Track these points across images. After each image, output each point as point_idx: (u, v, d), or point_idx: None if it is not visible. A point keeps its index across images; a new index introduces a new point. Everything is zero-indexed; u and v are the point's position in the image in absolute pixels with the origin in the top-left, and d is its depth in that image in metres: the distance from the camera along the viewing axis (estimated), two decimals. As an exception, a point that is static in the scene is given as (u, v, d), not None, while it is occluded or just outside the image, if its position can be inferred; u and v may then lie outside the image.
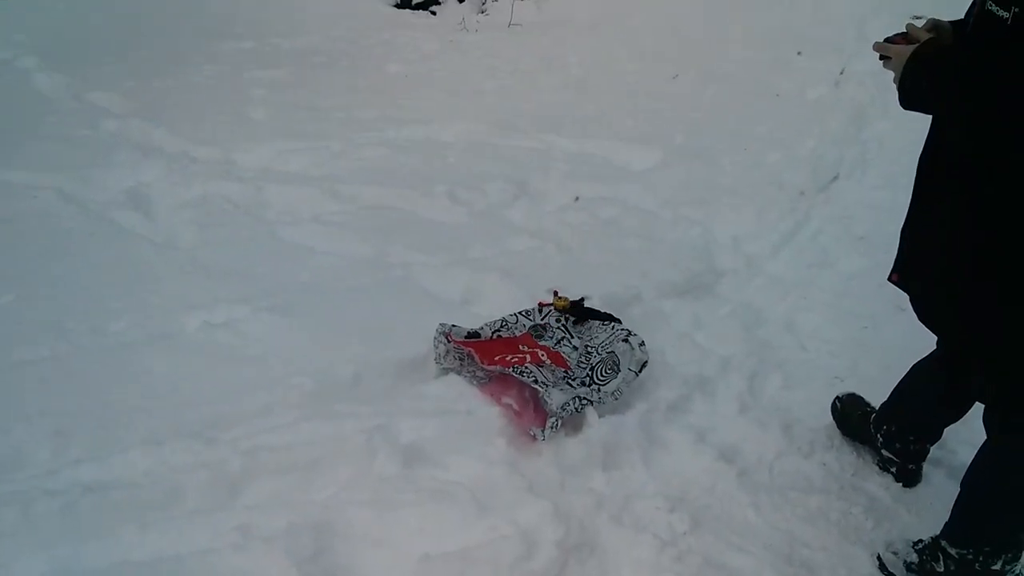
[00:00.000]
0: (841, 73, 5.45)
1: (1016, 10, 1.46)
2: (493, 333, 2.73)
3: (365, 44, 6.52)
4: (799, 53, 5.84)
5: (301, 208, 3.79)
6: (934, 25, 1.80)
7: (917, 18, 1.80)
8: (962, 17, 1.75)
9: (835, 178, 4.24)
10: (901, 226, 1.95)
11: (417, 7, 7.50)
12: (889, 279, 1.99)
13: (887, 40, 1.78)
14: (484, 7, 7.36)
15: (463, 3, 7.52)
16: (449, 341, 2.60)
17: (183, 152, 4.35)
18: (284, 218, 3.70)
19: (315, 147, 4.45)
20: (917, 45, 1.67)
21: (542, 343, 2.72)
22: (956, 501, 1.98)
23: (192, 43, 6.30)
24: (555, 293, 2.87)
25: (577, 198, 3.98)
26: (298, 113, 4.97)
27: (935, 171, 1.83)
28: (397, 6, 7.48)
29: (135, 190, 3.87)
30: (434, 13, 7.45)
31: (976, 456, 1.95)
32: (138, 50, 6.07)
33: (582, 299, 2.85)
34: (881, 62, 1.78)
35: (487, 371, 2.53)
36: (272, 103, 5.12)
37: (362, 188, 3.99)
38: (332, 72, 5.86)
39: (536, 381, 2.42)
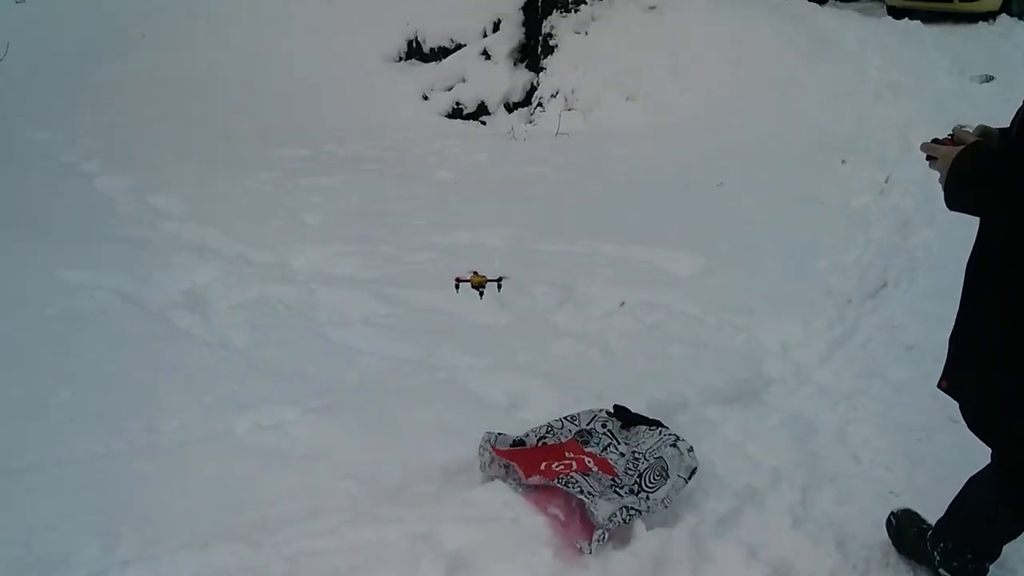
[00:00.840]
0: (886, 181, 5.48)
1: None
2: (538, 440, 2.72)
3: (417, 152, 6.74)
4: (843, 161, 5.89)
5: (351, 310, 3.86)
6: (983, 131, 1.83)
7: (963, 127, 1.84)
8: (1007, 126, 1.78)
9: (883, 286, 4.21)
10: (950, 334, 1.94)
11: (468, 117, 7.75)
12: (938, 386, 1.96)
13: (934, 141, 1.81)
14: (532, 117, 7.58)
15: (512, 113, 7.76)
16: (493, 452, 2.60)
17: (239, 255, 4.48)
18: (334, 320, 3.78)
19: (366, 251, 4.56)
20: (963, 147, 1.69)
21: (588, 449, 2.69)
22: None
23: (250, 149, 6.57)
24: (474, 273, 2.83)
25: (623, 303, 4.00)
26: (351, 218, 5.12)
27: (981, 273, 1.83)
28: (448, 116, 7.75)
29: (191, 291, 3.99)
30: (484, 123, 7.69)
31: None
32: (198, 154, 6.33)
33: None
34: (928, 162, 1.80)
35: (530, 484, 2.51)
36: (326, 208, 5.28)
37: (411, 291, 4.06)
38: (384, 179, 6.04)
39: (582, 492, 2.39)
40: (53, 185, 5.49)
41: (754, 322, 3.78)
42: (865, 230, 4.82)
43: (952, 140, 1.78)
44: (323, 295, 4.01)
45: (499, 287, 3.31)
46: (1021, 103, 1.70)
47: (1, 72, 8.78)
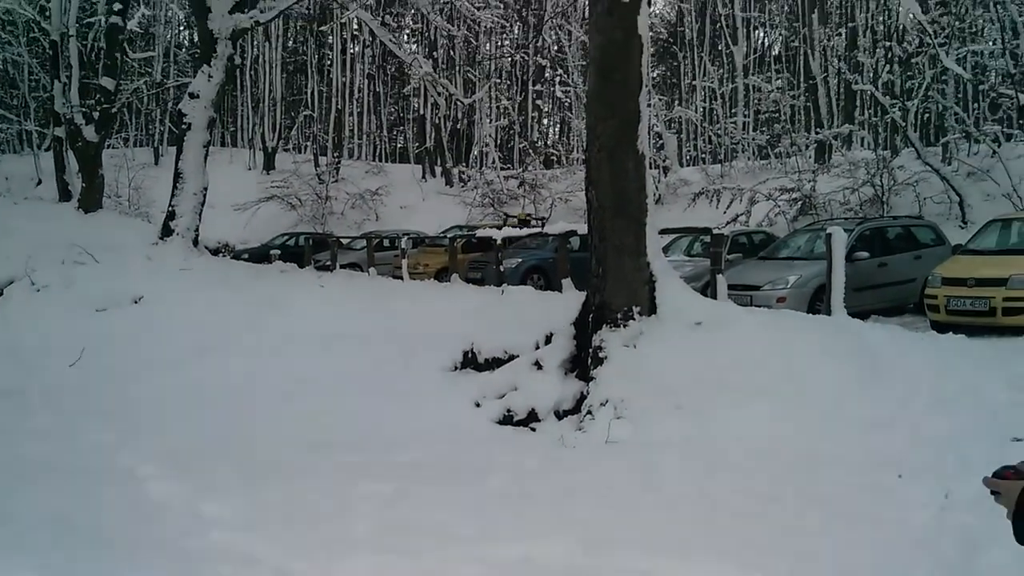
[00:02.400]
0: (946, 497, 5.31)
1: None
2: None
3: (467, 459, 6.80)
4: (900, 476, 5.77)
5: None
6: None
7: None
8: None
9: (954, 614, 3.95)
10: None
11: (518, 424, 7.88)
12: None
13: (996, 475, 1.80)
14: (582, 425, 7.67)
15: (562, 420, 7.88)
16: None
17: (280, 567, 4.43)
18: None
19: (411, 564, 4.48)
20: None
21: None
22: None
23: (304, 457, 6.70)
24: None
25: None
26: (398, 530, 5.08)
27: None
28: (499, 423, 7.89)
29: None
30: (533, 429, 7.80)
31: None
32: (251, 460, 6.49)
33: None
34: (992, 497, 1.79)
35: None
36: (374, 518, 5.27)
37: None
38: (435, 487, 6.05)
39: None
40: (106, 493, 5.63)
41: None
42: (929, 550, 4.61)
43: (1015, 472, 1.78)
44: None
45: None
46: None
47: (75, 376, 9.37)
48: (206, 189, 16.82)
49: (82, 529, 4.90)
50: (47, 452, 6.77)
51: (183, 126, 16.69)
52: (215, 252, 23.18)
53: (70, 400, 8.81)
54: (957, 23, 20.25)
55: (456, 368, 9.40)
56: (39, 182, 27.50)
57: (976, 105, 25.65)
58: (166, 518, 5.16)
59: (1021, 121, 20.45)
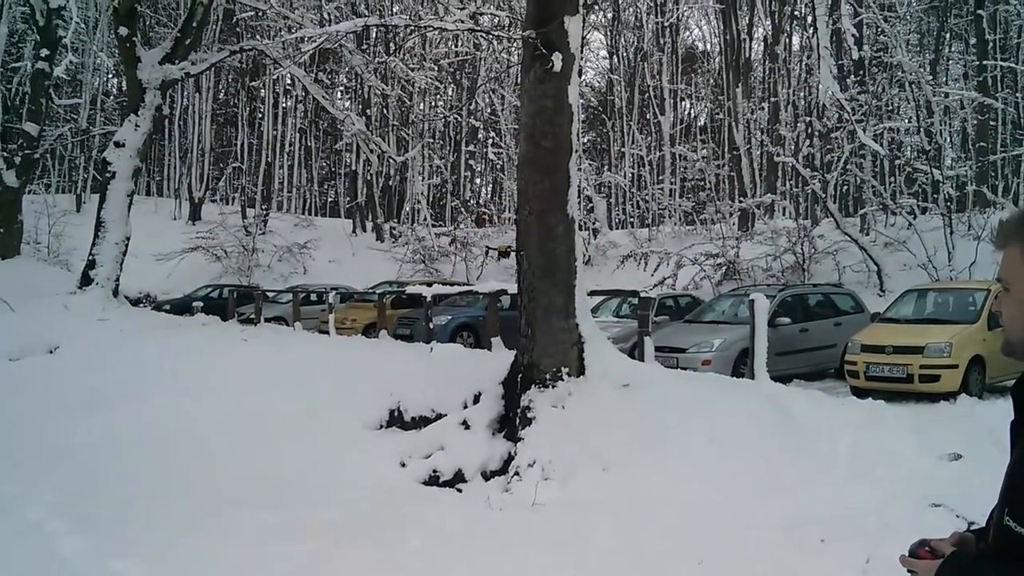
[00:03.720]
0: (867, 562, 5.38)
1: None
2: None
3: (390, 519, 6.63)
4: (822, 540, 5.82)
5: None
6: (959, 539, 1.84)
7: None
8: (983, 527, 1.80)
9: None
10: None
11: (444, 484, 7.75)
12: None
13: (911, 553, 1.80)
14: (509, 486, 7.57)
15: (489, 481, 7.77)
16: None
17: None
18: None
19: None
20: (942, 561, 1.69)
21: None
22: None
23: (220, 512, 6.45)
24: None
25: None
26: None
27: None
28: (425, 483, 7.74)
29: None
30: (460, 490, 7.67)
31: None
32: (165, 514, 6.24)
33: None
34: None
35: None
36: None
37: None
38: (356, 548, 5.87)
39: None
40: (13, 548, 5.34)
41: None
42: (852, 615, 4.65)
43: (930, 552, 1.79)
44: None
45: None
46: (994, 506, 1.72)
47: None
48: (128, 239, 16.44)
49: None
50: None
51: (107, 174, 16.36)
52: (136, 302, 22.54)
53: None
54: (875, 101, 21.23)
55: (382, 426, 9.23)
56: (-48, 226, 26.49)
57: (892, 179, 26.83)
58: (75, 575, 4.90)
59: (935, 195, 21.41)
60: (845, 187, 25.95)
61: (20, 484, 7.02)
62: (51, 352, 12.07)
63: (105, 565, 5.11)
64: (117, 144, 16.31)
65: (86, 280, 15.83)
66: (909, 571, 1.78)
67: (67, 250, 25.60)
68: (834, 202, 22.34)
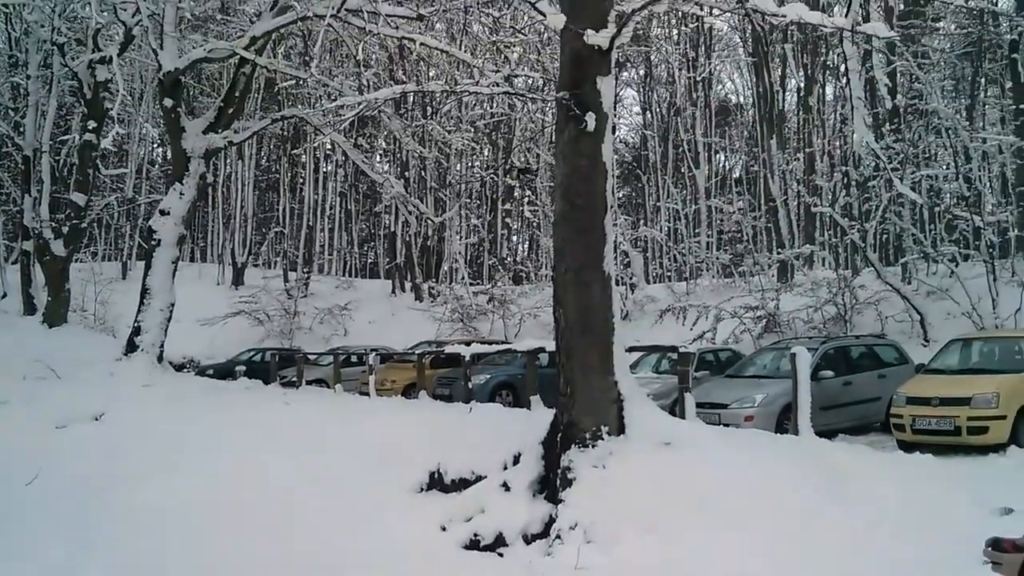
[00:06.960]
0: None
1: None
2: None
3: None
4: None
5: None
6: None
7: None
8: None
9: None
10: None
11: (485, 548, 7.68)
12: None
13: (994, 547, 1.79)
14: (551, 550, 7.49)
15: (531, 544, 7.69)
16: None
17: None
18: None
19: None
20: None
21: None
22: None
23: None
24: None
25: None
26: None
27: None
28: (466, 547, 7.68)
29: None
30: (501, 555, 7.60)
31: None
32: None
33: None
34: (991, 567, 1.77)
35: None
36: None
37: None
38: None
39: None
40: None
41: None
42: None
43: (1013, 546, 1.78)
44: None
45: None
46: None
47: (31, 495, 9.08)
48: (173, 305, 16.75)
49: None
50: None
51: (152, 242, 16.75)
52: (179, 367, 22.88)
53: (24, 520, 8.51)
54: (911, 148, 21.09)
55: (422, 489, 9.21)
56: (3, 295, 27.21)
57: (932, 226, 26.50)
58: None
59: (977, 242, 21.10)
60: (885, 236, 25.67)
61: (63, 551, 7.09)
62: (97, 419, 12.27)
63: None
64: (162, 212, 16.73)
65: (131, 347, 16.12)
66: (993, 563, 1.76)
67: (113, 317, 26.11)
68: (874, 251, 22.09)
